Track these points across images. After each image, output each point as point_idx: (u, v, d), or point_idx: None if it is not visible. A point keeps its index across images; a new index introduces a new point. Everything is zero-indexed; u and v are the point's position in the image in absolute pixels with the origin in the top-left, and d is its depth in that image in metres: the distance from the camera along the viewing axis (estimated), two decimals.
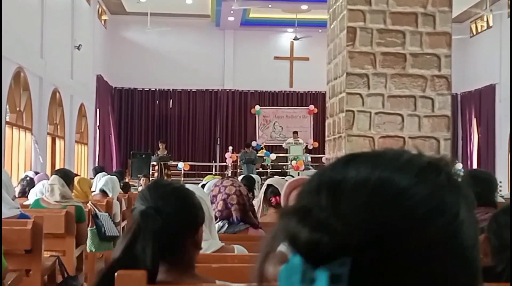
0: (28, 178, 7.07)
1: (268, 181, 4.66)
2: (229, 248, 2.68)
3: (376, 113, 2.43)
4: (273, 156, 18.04)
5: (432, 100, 2.46)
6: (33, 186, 6.61)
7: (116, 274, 1.72)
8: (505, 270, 1.88)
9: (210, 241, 2.60)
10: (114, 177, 7.62)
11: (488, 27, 18.53)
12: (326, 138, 2.76)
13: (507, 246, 1.89)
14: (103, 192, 7.10)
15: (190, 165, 18.75)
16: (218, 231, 3.04)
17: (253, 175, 8.32)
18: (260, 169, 17.18)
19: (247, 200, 3.49)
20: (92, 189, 7.87)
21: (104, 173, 8.59)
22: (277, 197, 4.13)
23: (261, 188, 6.44)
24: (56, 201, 5.11)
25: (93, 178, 8.35)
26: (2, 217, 4.12)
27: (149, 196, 1.80)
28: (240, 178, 6.78)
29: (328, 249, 0.60)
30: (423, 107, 2.45)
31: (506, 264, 1.89)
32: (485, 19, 18.69)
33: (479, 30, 19.28)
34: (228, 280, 2.01)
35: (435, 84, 2.46)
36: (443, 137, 2.46)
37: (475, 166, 18.76)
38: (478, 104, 18.68)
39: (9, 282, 3.62)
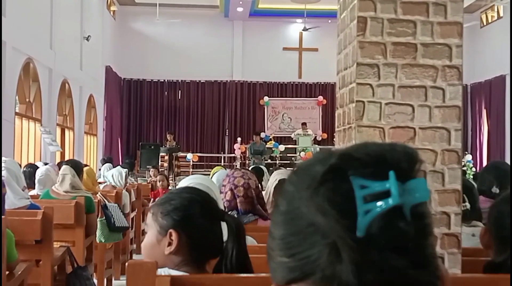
0: (24, 170, 7.00)
1: (278, 175, 4.63)
2: None
3: (386, 104, 2.41)
4: (281, 147, 18.03)
5: (443, 91, 2.44)
6: (32, 178, 6.60)
7: (127, 263, 1.75)
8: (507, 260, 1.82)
9: None
10: (121, 168, 7.63)
11: (499, 17, 18.38)
12: (336, 129, 2.75)
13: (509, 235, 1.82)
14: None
15: (199, 156, 18.78)
16: None
17: (261, 166, 8.32)
18: (269, 161, 17.18)
19: (257, 193, 3.48)
20: (100, 180, 7.90)
21: (110, 164, 8.61)
22: None
23: (268, 180, 6.43)
24: (66, 191, 5.12)
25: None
26: (12, 207, 4.14)
27: None
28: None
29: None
30: (434, 98, 2.43)
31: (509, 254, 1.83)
32: (496, 9, 18.54)
33: (490, 21, 19.13)
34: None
35: (446, 74, 2.44)
36: (454, 128, 2.44)
37: (485, 157, 18.68)
38: (488, 95, 18.56)
39: (19, 272, 3.64)
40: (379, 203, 0.64)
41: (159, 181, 9.34)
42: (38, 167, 7.01)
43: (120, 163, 14.81)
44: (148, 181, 11.11)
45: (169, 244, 1.85)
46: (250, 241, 2.72)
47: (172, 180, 15.51)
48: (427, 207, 0.69)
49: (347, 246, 0.64)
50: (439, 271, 0.69)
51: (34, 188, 5.65)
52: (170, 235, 1.85)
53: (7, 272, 3.47)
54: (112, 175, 7.24)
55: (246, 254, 1.93)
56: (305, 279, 0.67)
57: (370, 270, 0.64)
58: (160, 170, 13.16)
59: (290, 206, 0.71)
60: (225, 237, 1.94)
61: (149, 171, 11.71)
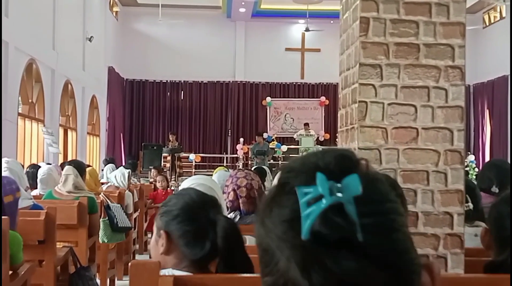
0: (27, 171, 6.99)
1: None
2: None
3: (389, 104, 2.41)
4: (284, 147, 18.03)
5: (446, 91, 2.44)
6: (35, 178, 6.61)
7: (130, 264, 1.75)
8: (506, 260, 1.82)
9: None
10: (124, 169, 7.63)
11: (501, 17, 18.35)
12: (339, 129, 2.75)
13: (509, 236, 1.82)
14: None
15: (202, 157, 18.79)
16: None
17: (264, 167, 8.33)
18: (272, 161, 17.18)
19: (260, 194, 3.48)
20: (102, 180, 7.90)
21: (112, 165, 8.60)
22: None
23: (271, 180, 6.44)
24: (68, 192, 5.12)
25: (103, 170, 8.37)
26: None
27: None
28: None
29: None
30: (437, 98, 2.43)
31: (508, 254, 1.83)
32: (498, 10, 18.52)
33: (492, 21, 19.10)
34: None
35: (448, 74, 2.44)
36: (456, 128, 2.44)
37: (487, 157, 18.65)
38: (491, 95, 18.54)
39: (22, 273, 3.64)
40: (316, 205, 0.67)
41: (159, 182, 9.33)
42: (33, 168, 7.01)
43: (123, 164, 14.83)
44: (150, 182, 11.12)
45: (162, 244, 1.89)
46: (252, 241, 2.71)
47: (174, 180, 15.52)
48: (381, 205, 0.70)
49: (294, 250, 0.67)
50: (414, 265, 0.70)
51: (36, 188, 5.65)
52: (161, 235, 1.89)
53: (10, 272, 3.47)
54: (115, 176, 7.24)
55: (245, 253, 1.93)
56: None
57: (318, 270, 0.65)
58: (162, 170, 13.16)
59: (257, 227, 0.76)
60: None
61: (151, 172, 11.71)
